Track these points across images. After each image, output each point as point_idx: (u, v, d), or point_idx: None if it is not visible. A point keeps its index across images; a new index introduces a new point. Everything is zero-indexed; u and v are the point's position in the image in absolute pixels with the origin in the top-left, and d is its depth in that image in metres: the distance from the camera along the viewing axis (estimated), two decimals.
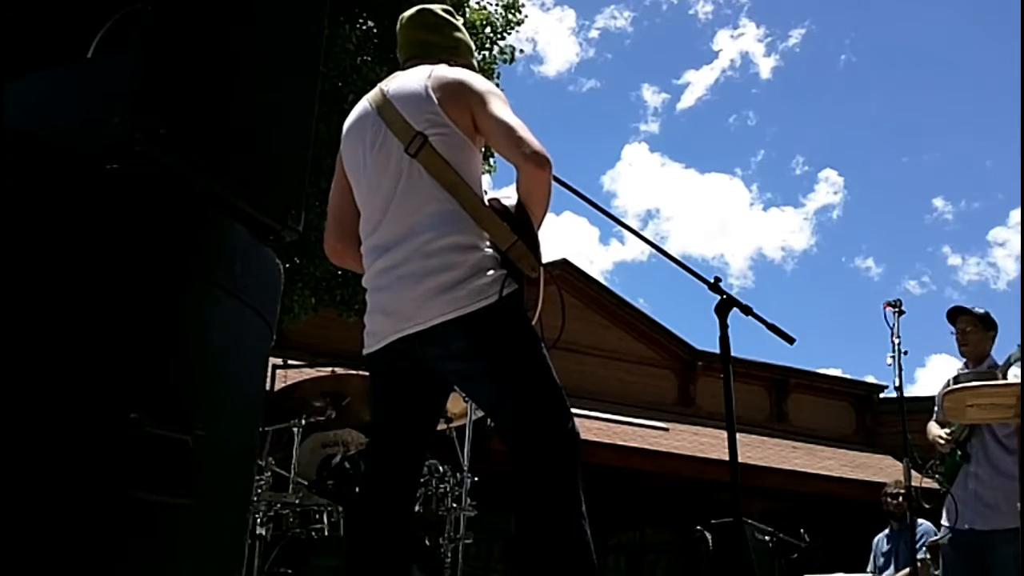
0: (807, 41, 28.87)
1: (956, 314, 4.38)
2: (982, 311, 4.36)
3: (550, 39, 29.47)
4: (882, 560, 5.87)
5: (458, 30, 2.54)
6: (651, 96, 28.89)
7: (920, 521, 5.51)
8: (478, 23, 9.19)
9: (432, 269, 2.14)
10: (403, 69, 2.45)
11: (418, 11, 2.52)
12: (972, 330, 4.32)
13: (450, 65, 2.38)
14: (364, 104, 2.42)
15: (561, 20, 29.30)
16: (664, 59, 32.34)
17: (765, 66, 28.79)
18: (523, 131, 2.17)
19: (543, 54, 28.89)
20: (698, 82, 30.81)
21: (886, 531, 5.92)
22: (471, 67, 2.49)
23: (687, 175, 30.36)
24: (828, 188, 31.18)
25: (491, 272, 2.14)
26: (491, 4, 9.57)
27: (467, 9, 9.05)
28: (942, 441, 4.31)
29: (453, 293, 2.11)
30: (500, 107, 2.23)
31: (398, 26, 2.56)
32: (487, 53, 9.40)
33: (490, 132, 2.23)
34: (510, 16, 9.65)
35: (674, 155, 33.87)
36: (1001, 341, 4.40)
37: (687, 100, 28.86)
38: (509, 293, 2.14)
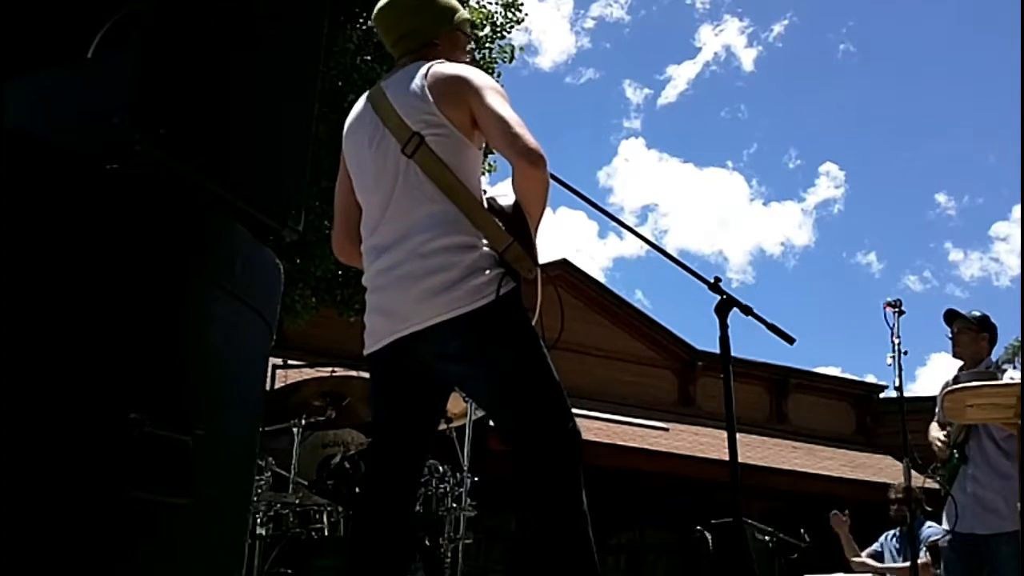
0: (791, 33, 28.93)
1: (950, 318, 4.38)
2: (979, 314, 4.35)
3: (546, 28, 29.46)
4: (888, 557, 5.86)
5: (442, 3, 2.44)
6: (633, 92, 28.95)
7: (929, 524, 5.50)
8: (478, 21, 9.18)
9: (429, 270, 2.13)
10: (399, 63, 2.41)
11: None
12: (961, 333, 4.32)
13: (448, 57, 2.35)
14: (363, 101, 2.40)
15: (559, 9, 29.28)
16: (649, 55, 32.46)
17: (747, 59, 28.83)
18: (519, 127, 2.15)
19: (538, 45, 28.87)
20: (680, 76, 30.90)
21: (896, 530, 5.91)
22: (462, 31, 2.43)
23: (685, 170, 30.41)
24: (829, 182, 31.27)
25: (488, 271, 2.13)
26: (491, 3, 9.58)
27: (467, 7, 9.04)
28: (939, 444, 4.31)
29: (450, 293, 2.10)
30: (497, 102, 2.20)
31: (374, 15, 2.45)
32: (487, 52, 9.39)
33: (486, 127, 2.21)
34: (510, 15, 9.65)
35: (669, 150, 33.96)
36: (1003, 339, 4.42)
37: (669, 95, 28.90)
38: (507, 292, 2.13)
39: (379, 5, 2.44)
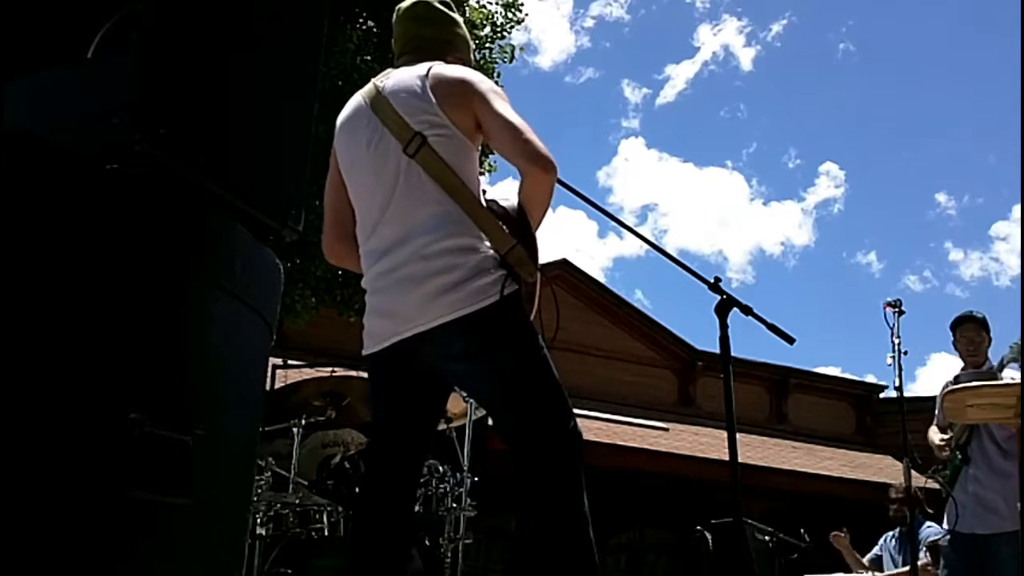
0: (790, 32, 28.96)
1: (963, 321, 4.36)
2: (981, 316, 4.36)
3: (545, 27, 29.49)
4: (888, 559, 5.86)
5: (455, 25, 2.49)
6: (632, 92, 28.98)
7: (929, 524, 5.50)
8: (478, 22, 9.18)
9: (432, 271, 2.13)
10: (397, 64, 2.41)
11: (414, 3, 2.46)
12: (979, 339, 4.32)
13: (447, 62, 2.35)
14: (358, 100, 2.37)
15: (558, 8, 29.30)
16: (648, 54, 32.53)
17: (746, 58, 28.87)
18: (528, 134, 2.15)
19: (538, 44, 28.90)
20: (679, 76, 30.95)
21: (895, 532, 5.90)
22: (468, 64, 2.45)
23: (684, 169, 30.44)
24: (829, 182, 31.28)
25: (491, 272, 2.13)
26: (491, 3, 9.57)
27: (467, 7, 9.03)
28: (939, 443, 4.32)
29: (454, 294, 2.10)
30: (504, 107, 2.20)
31: (394, 17, 2.50)
32: (487, 52, 9.39)
33: (494, 133, 2.21)
34: (510, 15, 9.65)
35: (668, 149, 34.01)
36: (1002, 339, 4.43)
37: (668, 94, 28.94)
38: (509, 293, 2.13)
39: (419, 1, 2.46)
